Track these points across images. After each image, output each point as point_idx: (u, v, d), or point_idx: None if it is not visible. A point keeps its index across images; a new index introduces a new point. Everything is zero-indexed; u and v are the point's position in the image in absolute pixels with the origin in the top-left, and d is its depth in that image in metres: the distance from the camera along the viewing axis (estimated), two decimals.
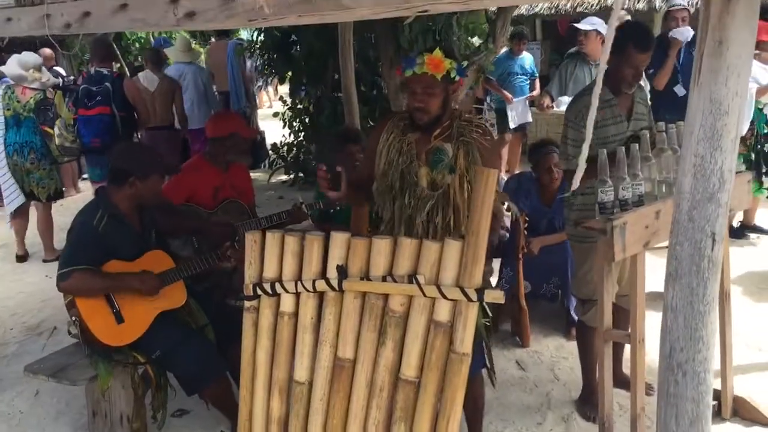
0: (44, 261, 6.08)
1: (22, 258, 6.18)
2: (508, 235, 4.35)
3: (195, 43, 8.94)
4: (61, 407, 3.69)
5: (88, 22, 2.35)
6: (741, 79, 1.46)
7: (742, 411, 3.24)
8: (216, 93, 8.41)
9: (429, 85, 2.66)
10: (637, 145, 2.81)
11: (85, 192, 7.63)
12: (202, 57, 7.91)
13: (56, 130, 5.67)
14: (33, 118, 5.75)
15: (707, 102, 1.48)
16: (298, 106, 8.63)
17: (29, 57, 5.95)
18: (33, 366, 3.23)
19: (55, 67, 8.53)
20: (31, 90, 5.79)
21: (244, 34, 12.84)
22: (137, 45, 12.12)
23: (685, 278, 1.59)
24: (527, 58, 7.90)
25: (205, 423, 3.45)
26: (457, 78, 2.70)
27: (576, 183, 1.67)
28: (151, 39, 12.50)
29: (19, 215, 6.09)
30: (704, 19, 1.49)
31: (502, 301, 2.28)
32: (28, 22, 2.52)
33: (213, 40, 9.95)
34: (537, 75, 8.00)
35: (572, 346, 3.94)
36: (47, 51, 8.43)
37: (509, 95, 7.60)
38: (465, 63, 4.56)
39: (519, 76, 7.77)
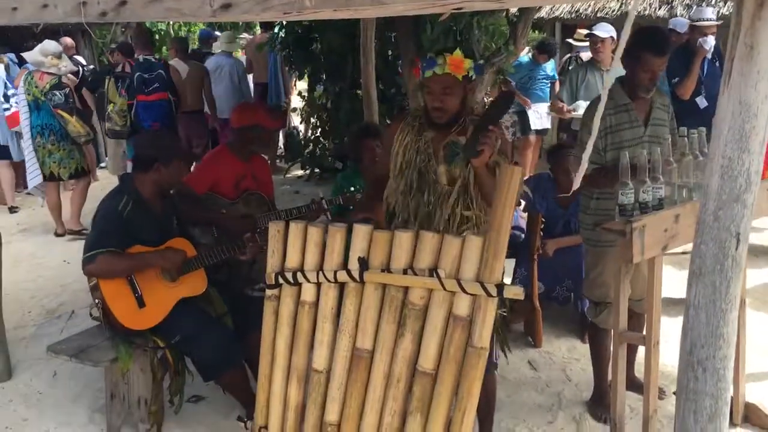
0: (67, 232, 6.48)
1: (60, 235, 6.53)
2: (523, 235, 4.38)
3: (237, 37, 9.16)
4: (78, 389, 3.75)
5: (124, 11, 2.38)
6: None
7: (753, 417, 3.25)
8: (252, 85, 8.76)
9: (449, 85, 2.69)
10: (659, 149, 2.83)
11: (102, 180, 7.77)
12: (238, 50, 8.19)
13: (107, 115, 6.19)
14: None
15: (737, 104, 1.51)
16: (317, 102, 8.67)
17: (50, 45, 6.27)
18: (55, 346, 3.29)
19: (75, 56, 8.62)
20: (48, 75, 6.09)
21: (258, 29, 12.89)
22: (157, 37, 12.20)
23: (708, 276, 1.62)
24: (549, 64, 7.88)
25: (221, 409, 3.50)
26: (474, 77, 2.73)
27: (577, 183, 1.70)
28: (171, 31, 12.60)
29: (50, 195, 6.46)
30: (736, 23, 1.52)
31: (522, 297, 2.31)
32: (65, 10, 2.55)
33: (259, 31, 10.05)
34: (557, 78, 7.95)
35: (584, 348, 3.96)
36: (68, 40, 8.56)
37: (527, 100, 7.56)
38: (482, 62, 4.59)
39: (541, 81, 7.74)
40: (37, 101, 6.10)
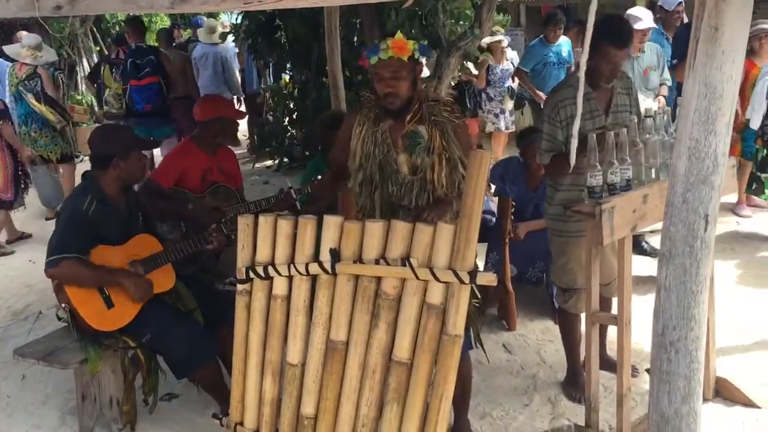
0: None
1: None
2: (494, 219, 4.39)
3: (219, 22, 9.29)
4: (48, 391, 3.68)
5: (79, 4, 2.30)
6: (735, 64, 1.49)
7: (724, 391, 3.31)
8: (238, 72, 9.01)
9: (397, 68, 2.68)
10: (625, 130, 2.84)
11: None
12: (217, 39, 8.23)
13: (104, 99, 6.69)
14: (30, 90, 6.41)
15: (702, 86, 1.51)
16: (283, 91, 8.58)
17: (30, 38, 6.69)
18: (22, 349, 3.22)
19: None
20: (26, 66, 6.44)
21: (224, 18, 12.75)
22: (117, 28, 11.97)
23: (678, 258, 1.63)
24: (564, 45, 6.94)
25: (195, 407, 3.46)
26: (422, 59, 2.72)
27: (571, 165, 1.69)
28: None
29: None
30: (700, 5, 1.52)
31: (495, 284, 2.31)
32: (18, 4, 2.46)
33: None
34: (573, 62, 6.90)
35: (558, 329, 3.99)
36: (24, 34, 8.32)
37: (541, 94, 6.58)
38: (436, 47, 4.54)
39: (555, 66, 6.83)
40: (19, 92, 6.41)
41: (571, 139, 3.13)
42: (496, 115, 7.66)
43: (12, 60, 6.85)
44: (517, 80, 7.50)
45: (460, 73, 7.36)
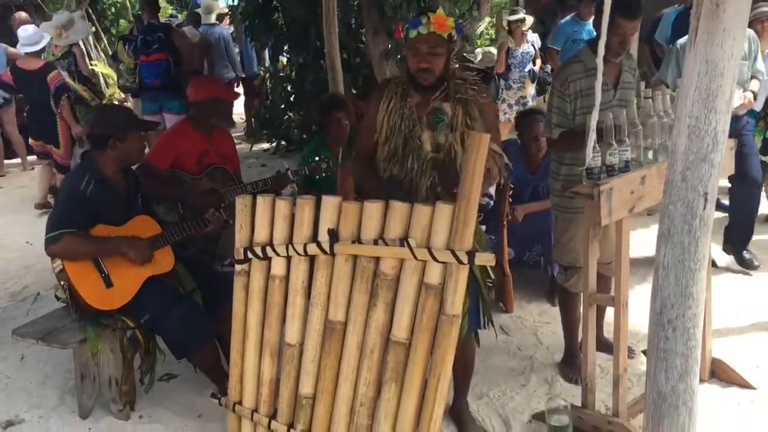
0: None
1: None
2: (492, 202, 4.39)
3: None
4: (47, 371, 3.68)
5: None
6: (736, 41, 1.49)
7: (720, 373, 3.33)
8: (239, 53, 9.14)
9: (435, 44, 2.67)
10: (624, 111, 2.84)
11: None
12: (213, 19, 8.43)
13: (119, 73, 6.93)
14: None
15: (703, 63, 1.50)
16: (280, 74, 8.54)
17: (60, 17, 7.09)
18: (21, 329, 3.22)
19: None
20: (60, 46, 7.02)
21: (222, 2, 12.65)
22: (113, 10, 11.88)
23: (677, 237, 1.63)
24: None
25: (193, 387, 3.47)
26: (456, 37, 2.71)
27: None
28: (128, 4, 12.28)
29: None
30: None
31: (493, 263, 2.32)
32: None
33: None
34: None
35: (555, 311, 4.01)
36: (22, 14, 8.29)
37: None
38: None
39: (583, 44, 6.66)
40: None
41: (578, 115, 3.14)
42: (510, 106, 7.27)
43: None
44: (539, 63, 7.24)
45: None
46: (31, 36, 6.54)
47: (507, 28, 7.13)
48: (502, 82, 7.32)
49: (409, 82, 2.79)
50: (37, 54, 6.60)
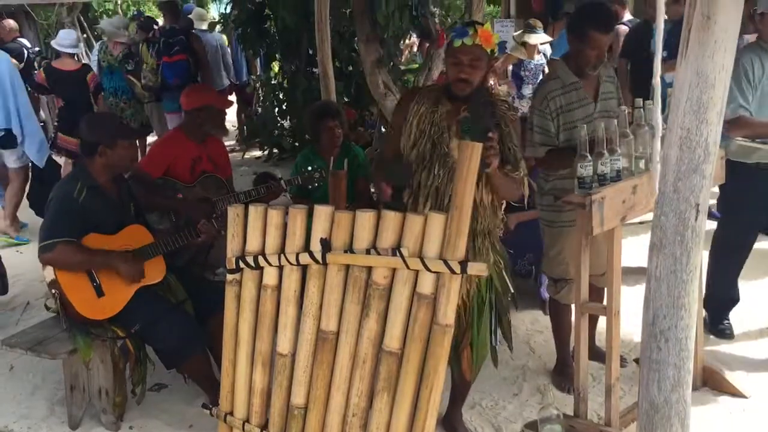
0: None
1: None
2: None
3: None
4: (37, 382, 3.66)
5: None
6: (727, 53, 1.49)
7: (711, 381, 3.34)
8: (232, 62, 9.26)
9: (477, 57, 2.66)
10: (615, 121, 2.85)
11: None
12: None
13: (143, 73, 7.24)
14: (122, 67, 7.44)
15: (694, 75, 1.51)
16: (272, 82, 8.55)
17: (117, 19, 7.94)
18: (10, 339, 3.20)
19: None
20: (119, 44, 7.49)
21: (213, 9, 12.67)
22: (104, 17, 11.88)
23: (669, 248, 1.63)
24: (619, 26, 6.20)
25: (184, 397, 3.45)
26: (497, 54, 2.71)
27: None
28: (119, 11, 12.29)
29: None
30: None
31: (486, 274, 2.32)
32: None
33: None
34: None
35: (547, 320, 4.00)
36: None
37: None
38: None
39: None
40: (111, 67, 7.46)
41: (561, 132, 3.16)
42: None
43: None
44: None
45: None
46: (73, 40, 6.98)
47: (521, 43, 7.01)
48: (515, 92, 7.22)
49: (442, 90, 2.79)
50: (72, 56, 6.95)
